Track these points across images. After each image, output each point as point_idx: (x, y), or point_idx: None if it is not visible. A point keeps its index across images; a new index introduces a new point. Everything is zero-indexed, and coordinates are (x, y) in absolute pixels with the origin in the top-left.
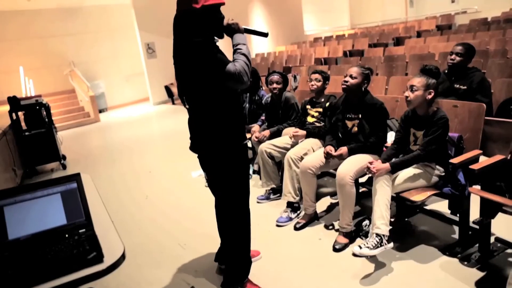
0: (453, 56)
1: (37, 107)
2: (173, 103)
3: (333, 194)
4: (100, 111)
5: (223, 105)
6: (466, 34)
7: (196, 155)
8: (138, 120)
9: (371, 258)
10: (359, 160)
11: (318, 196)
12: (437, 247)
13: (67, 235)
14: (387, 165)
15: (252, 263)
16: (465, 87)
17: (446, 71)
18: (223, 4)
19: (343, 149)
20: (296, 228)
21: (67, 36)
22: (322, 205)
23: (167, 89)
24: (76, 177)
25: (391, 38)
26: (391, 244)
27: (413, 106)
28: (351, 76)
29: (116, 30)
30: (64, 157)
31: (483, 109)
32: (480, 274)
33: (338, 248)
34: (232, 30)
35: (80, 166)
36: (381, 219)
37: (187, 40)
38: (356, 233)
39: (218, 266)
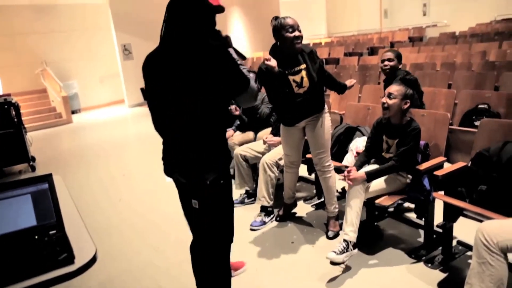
0: (385, 63)
1: (6, 106)
2: None
3: (306, 199)
4: (73, 112)
5: (220, 120)
6: (436, 46)
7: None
8: (113, 122)
9: None
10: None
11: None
12: (403, 250)
13: (36, 236)
14: (363, 174)
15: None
16: None
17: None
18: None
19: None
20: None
21: (39, 34)
22: (300, 209)
23: (143, 91)
24: (48, 178)
25: (366, 47)
26: (356, 251)
27: (389, 114)
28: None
29: (92, 30)
30: (33, 159)
31: (447, 119)
32: (442, 276)
33: (331, 237)
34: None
35: (50, 168)
36: (350, 226)
37: (200, 42)
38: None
39: None
